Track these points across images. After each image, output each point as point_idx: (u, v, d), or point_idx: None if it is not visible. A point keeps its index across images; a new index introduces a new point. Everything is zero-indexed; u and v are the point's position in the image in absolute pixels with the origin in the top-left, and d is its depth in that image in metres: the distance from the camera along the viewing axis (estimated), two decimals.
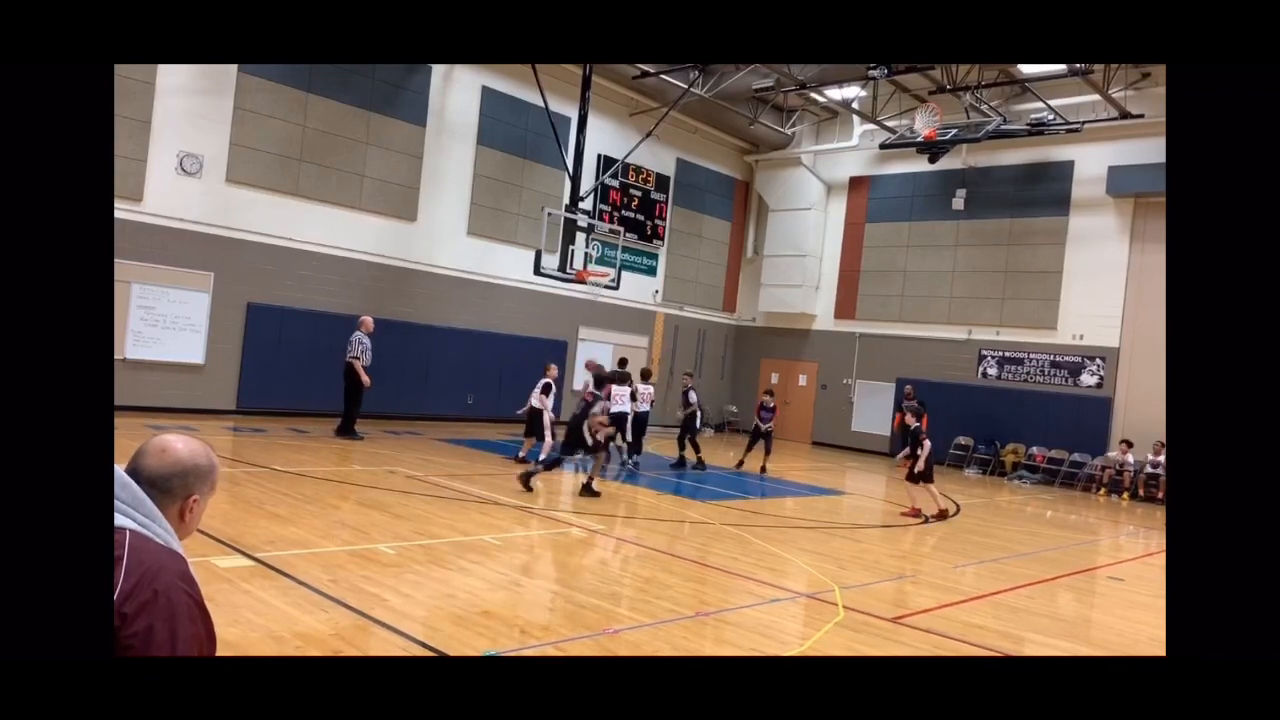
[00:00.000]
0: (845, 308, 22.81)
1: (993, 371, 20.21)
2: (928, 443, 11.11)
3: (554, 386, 12.73)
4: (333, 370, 13.74)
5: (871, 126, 20.37)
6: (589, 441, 10.31)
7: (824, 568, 7.78)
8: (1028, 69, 17.11)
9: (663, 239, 22.23)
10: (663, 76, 19.35)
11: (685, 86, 18.64)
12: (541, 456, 11.42)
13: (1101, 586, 8.60)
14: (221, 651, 2.04)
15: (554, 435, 12.04)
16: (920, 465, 11.02)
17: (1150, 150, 18.03)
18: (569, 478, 11.81)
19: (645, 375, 14.22)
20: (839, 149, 22.45)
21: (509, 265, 18.42)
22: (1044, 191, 19.65)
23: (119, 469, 2.19)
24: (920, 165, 20.16)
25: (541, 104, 16.55)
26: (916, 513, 11.19)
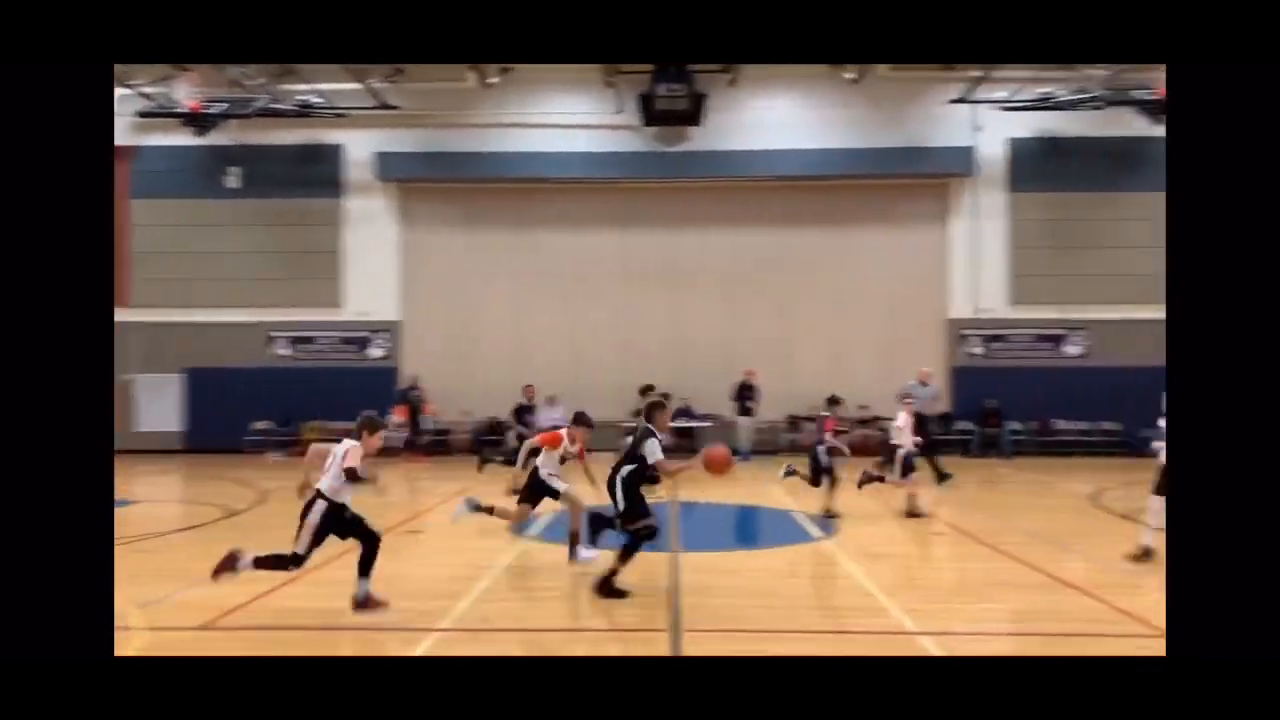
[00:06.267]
0: (117, 294, 20.23)
1: (285, 352, 20.30)
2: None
3: None
4: None
5: (127, 91, 18.25)
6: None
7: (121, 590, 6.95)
8: None
9: None
10: None
11: None
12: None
13: (403, 541, 9.48)
14: None
15: None
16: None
17: (413, 140, 20.03)
18: None
19: None
20: None
21: None
22: (318, 173, 20.28)
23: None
24: (189, 138, 18.93)
25: None
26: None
